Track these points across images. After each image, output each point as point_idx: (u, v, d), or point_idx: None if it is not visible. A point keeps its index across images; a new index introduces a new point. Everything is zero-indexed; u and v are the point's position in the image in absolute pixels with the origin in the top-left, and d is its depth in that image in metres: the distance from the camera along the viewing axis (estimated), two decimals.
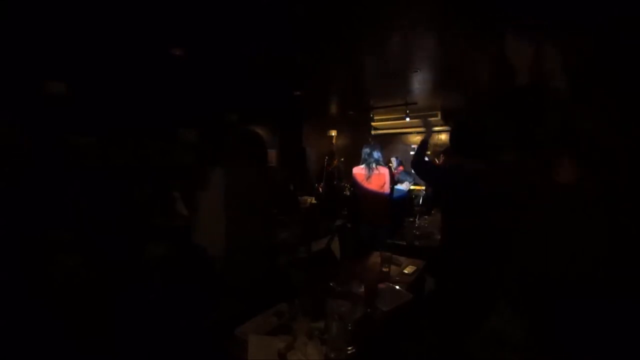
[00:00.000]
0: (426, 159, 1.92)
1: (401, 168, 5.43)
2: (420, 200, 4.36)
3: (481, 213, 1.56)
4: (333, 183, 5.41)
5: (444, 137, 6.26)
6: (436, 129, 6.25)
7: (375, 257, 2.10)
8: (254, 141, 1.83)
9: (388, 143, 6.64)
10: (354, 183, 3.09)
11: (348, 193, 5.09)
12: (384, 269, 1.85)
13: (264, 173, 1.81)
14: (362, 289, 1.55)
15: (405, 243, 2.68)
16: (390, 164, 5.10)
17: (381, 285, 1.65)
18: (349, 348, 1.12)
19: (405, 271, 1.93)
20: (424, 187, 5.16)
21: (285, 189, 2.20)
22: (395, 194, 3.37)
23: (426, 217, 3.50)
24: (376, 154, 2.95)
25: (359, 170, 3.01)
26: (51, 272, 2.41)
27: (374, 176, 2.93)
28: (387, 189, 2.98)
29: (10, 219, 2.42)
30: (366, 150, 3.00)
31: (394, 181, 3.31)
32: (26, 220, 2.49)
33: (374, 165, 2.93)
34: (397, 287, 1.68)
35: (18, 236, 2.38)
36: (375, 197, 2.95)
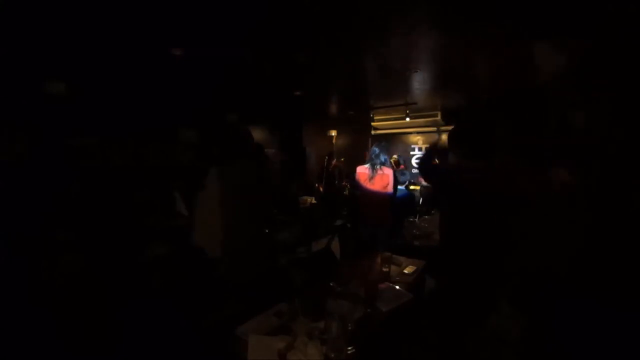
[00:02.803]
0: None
1: (402, 167, 5.49)
2: (420, 201, 4.38)
3: (480, 213, 1.56)
4: (334, 183, 5.42)
5: (444, 137, 6.26)
6: (435, 129, 6.25)
7: (375, 257, 2.10)
8: (249, 139, 1.85)
9: (388, 143, 6.64)
10: (356, 183, 3.08)
11: (347, 192, 5.10)
12: (384, 269, 1.85)
13: (261, 173, 1.82)
14: (362, 289, 1.55)
15: (405, 243, 2.68)
16: (392, 161, 5.20)
17: (381, 285, 1.65)
18: (349, 348, 1.12)
19: (405, 271, 1.93)
20: (418, 187, 5.17)
21: (284, 188, 2.21)
22: (397, 194, 3.37)
23: (426, 217, 3.49)
24: (383, 157, 2.94)
25: (362, 170, 3.00)
26: (52, 272, 2.41)
27: (377, 177, 2.91)
28: (389, 189, 2.96)
29: (10, 219, 2.42)
30: (375, 150, 2.97)
31: (397, 182, 3.30)
32: (26, 220, 2.49)
33: (378, 167, 2.92)
34: (397, 287, 1.68)
35: (18, 236, 2.38)
36: (376, 197, 2.94)
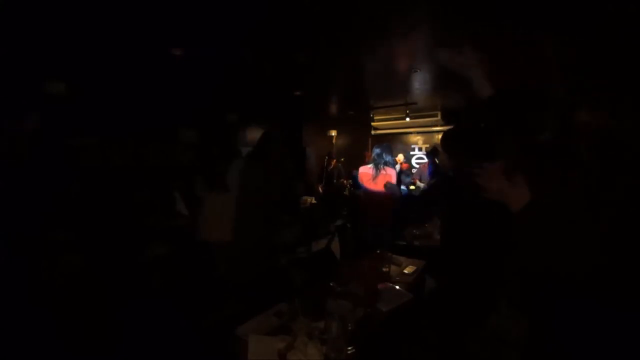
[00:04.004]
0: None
1: (406, 165, 5.51)
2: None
3: (480, 213, 1.56)
4: (333, 183, 5.42)
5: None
6: (435, 129, 6.26)
7: (375, 257, 2.10)
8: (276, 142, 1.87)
9: (389, 143, 6.65)
10: (358, 183, 3.08)
11: (347, 193, 5.10)
12: (384, 269, 1.85)
13: (278, 173, 1.83)
14: (362, 289, 1.55)
15: (405, 243, 2.68)
16: (399, 160, 5.27)
17: (381, 285, 1.65)
18: (349, 348, 1.12)
19: (405, 271, 1.93)
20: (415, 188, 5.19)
21: (293, 189, 2.22)
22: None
23: None
24: (387, 157, 2.95)
25: (365, 170, 3.00)
26: (52, 272, 2.41)
27: (380, 177, 2.91)
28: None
29: (10, 219, 2.42)
30: (377, 150, 2.98)
31: (400, 182, 3.29)
32: (26, 220, 2.48)
33: (381, 167, 2.92)
34: (397, 287, 1.68)
35: (18, 236, 2.38)
36: (379, 198, 2.94)
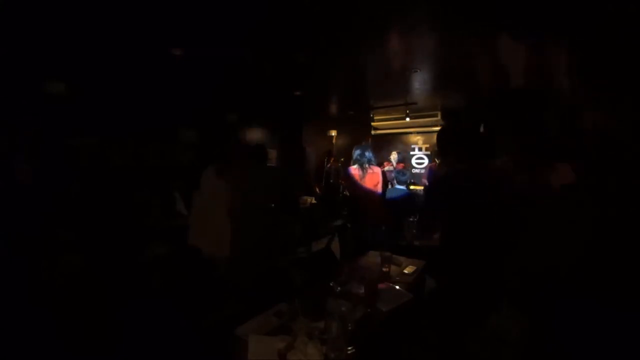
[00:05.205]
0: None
1: (401, 165, 5.51)
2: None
3: (480, 213, 1.56)
4: (330, 182, 5.43)
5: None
6: (435, 129, 6.25)
7: (375, 257, 2.10)
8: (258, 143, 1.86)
9: (388, 143, 6.64)
10: (352, 183, 3.11)
11: (348, 193, 5.10)
12: (384, 269, 1.85)
13: (271, 174, 1.83)
14: (362, 289, 1.55)
15: (405, 243, 2.68)
16: (392, 158, 5.28)
17: (381, 285, 1.65)
18: (349, 348, 1.12)
19: (405, 271, 1.93)
20: (422, 187, 5.19)
21: (291, 190, 2.21)
22: (396, 193, 3.37)
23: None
24: (368, 154, 3.00)
25: (353, 171, 3.05)
26: (52, 272, 2.41)
27: (367, 176, 2.97)
28: (379, 188, 3.01)
29: (10, 219, 2.42)
30: (357, 151, 3.04)
31: (387, 181, 3.33)
32: (26, 220, 2.49)
33: (366, 165, 2.97)
34: (397, 287, 1.68)
35: (18, 236, 2.38)
36: (372, 196, 2.97)
